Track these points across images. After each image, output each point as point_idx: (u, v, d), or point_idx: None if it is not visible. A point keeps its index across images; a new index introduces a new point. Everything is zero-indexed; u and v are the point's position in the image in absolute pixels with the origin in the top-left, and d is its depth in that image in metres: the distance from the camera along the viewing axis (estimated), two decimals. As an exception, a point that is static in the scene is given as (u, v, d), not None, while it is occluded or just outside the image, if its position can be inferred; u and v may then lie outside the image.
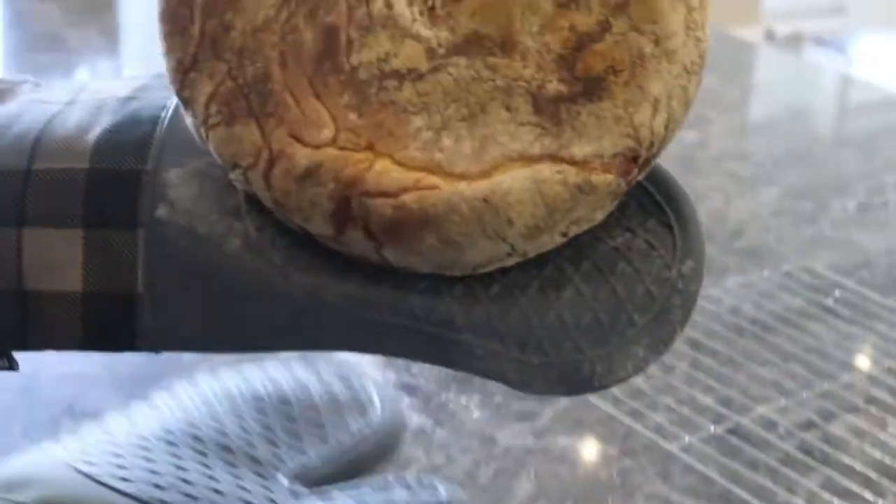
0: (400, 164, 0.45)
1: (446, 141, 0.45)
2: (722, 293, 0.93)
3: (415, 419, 0.75)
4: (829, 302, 0.93)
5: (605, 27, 0.46)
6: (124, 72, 1.37)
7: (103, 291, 0.48)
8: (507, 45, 0.46)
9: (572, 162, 0.46)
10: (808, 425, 0.79)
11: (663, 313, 0.49)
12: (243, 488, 0.60)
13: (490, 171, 0.45)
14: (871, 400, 0.82)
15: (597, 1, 0.46)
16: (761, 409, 0.80)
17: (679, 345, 0.81)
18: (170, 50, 0.47)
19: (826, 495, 0.72)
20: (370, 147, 0.45)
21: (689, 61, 0.47)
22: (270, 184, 0.46)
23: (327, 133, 0.45)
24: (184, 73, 0.46)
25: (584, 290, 0.49)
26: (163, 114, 0.50)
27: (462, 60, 0.45)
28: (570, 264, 0.49)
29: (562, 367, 0.48)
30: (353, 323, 0.48)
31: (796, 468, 0.74)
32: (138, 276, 0.48)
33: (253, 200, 0.48)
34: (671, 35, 0.46)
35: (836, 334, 0.89)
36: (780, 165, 1.16)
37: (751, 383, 0.82)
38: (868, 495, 0.72)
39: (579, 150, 0.46)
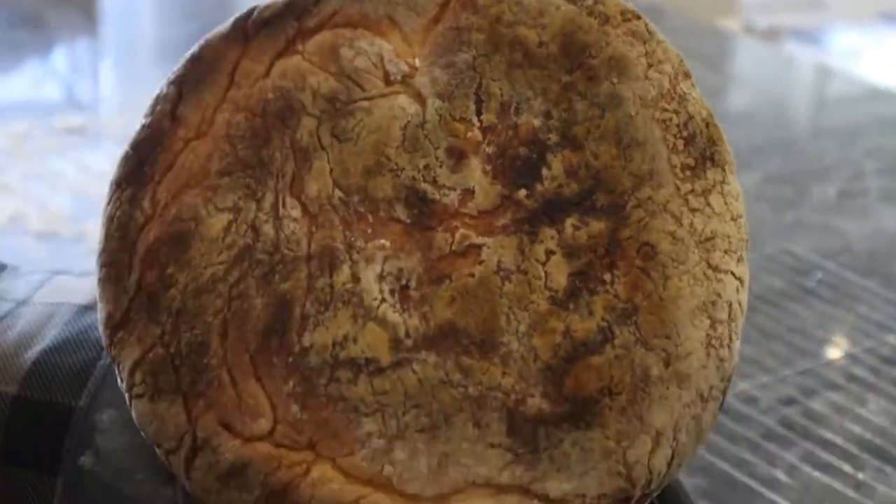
0: (342, 471, 0.38)
1: (399, 453, 0.38)
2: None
3: None
4: (811, 283, 0.94)
5: (606, 336, 0.38)
6: (102, 58, 1.37)
7: None
8: (486, 345, 0.38)
9: (546, 500, 0.38)
10: (789, 401, 0.79)
11: None
12: None
13: (448, 495, 0.38)
14: (852, 378, 0.83)
15: (600, 303, 0.38)
16: (743, 385, 0.80)
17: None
18: (102, 299, 0.39)
19: (806, 468, 0.73)
20: (311, 446, 0.38)
21: (706, 386, 0.38)
22: (191, 475, 0.39)
23: (263, 424, 0.38)
24: (112, 330, 0.39)
25: None
26: None
27: (431, 357, 0.38)
28: None
29: None
30: None
31: (777, 442, 0.75)
32: None
33: None
34: (686, 355, 0.38)
35: (817, 315, 0.90)
36: (760, 153, 1.16)
37: (732, 361, 0.83)
38: (847, 468, 0.73)
39: (556, 486, 0.37)
